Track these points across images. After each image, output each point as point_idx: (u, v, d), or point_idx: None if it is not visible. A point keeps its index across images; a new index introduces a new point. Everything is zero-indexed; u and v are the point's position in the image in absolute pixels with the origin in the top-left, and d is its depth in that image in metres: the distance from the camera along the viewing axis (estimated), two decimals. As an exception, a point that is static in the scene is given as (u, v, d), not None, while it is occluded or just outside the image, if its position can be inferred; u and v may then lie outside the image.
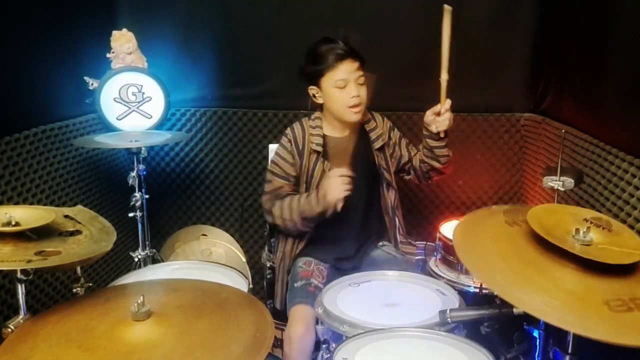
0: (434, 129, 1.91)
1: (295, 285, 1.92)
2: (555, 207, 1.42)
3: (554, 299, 1.09)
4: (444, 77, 1.84)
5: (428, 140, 1.97)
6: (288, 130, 2.04)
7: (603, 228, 1.24)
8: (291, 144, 2.00)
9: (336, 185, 1.81)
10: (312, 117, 2.03)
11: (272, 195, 1.99)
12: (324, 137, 1.99)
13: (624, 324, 1.02)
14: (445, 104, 1.86)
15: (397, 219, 2.11)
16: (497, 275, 1.17)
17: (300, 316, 1.78)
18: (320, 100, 1.96)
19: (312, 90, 1.95)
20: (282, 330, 1.93)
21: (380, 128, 2.06)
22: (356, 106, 1.89)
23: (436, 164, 2.00)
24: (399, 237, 2.10)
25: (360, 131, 2.02)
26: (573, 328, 1.08)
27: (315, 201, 1.86)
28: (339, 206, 1.83)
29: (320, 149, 1.96)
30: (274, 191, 1.99)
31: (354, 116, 1.92)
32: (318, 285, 1.89)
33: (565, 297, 1.10)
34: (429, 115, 1.91)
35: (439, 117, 1.89)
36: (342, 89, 1.88)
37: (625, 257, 1.15)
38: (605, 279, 1.13)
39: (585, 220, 1.24)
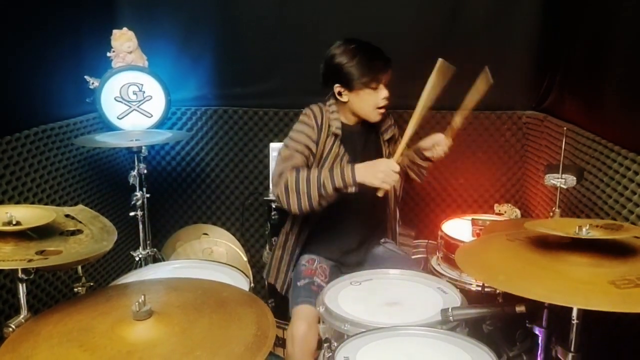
0: (428, 154, 1.95)
1: (298, 284, 1.92)
2: (550, 220, 1.44)
3: (559, 286, 1.10)
4: (457, 121, 1.88)
5: (418, 159, 2.01)
6: (308, 110, 1.98)
7: (603, 228, 1.25)
8: (313, 121, 1.94)
9: (390, 175, 1.75)
10: (328, 103, 1.99)
11: (289, 167, 1.85)
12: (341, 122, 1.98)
13: (631, 297, 1.03)
14: (449, 142, 1.91)
15: (397, 211, 2.12)
16: (499, 276, 1.17)
17: (303, 315, 1.78)
18: (344, 99, 1.93)
19: (339, 88, 1.92)
20: (284, 329, 1.93)
21: (390, 120, 2.09)
22: (384, 107, 1.92)
23: (417, 179, 2.09)
24: (397, 229, 2.13)
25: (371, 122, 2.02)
26: (579, 304, 1.09)
27: (344, 174, 1.77)
28: (380, 193, 1.79)
29: (339, 132, 1.95)
30: (289, 163, 1.87)
31: (378, 116, 1.95)
32: (321, 284, 1.89)
33: (570, 283, 1.10)
34: (428, 142, 1.94)
35: (438, 148, 1.92)
36: (374, 90, 1.89)
37: (628, 240, 1.18)
38: (610, 265, 1.14)
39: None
